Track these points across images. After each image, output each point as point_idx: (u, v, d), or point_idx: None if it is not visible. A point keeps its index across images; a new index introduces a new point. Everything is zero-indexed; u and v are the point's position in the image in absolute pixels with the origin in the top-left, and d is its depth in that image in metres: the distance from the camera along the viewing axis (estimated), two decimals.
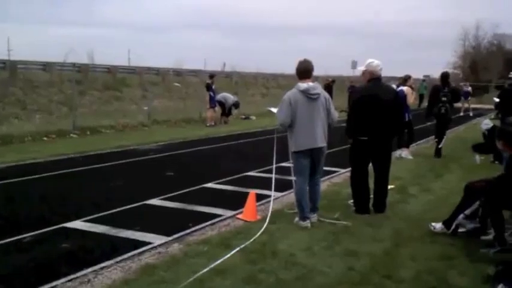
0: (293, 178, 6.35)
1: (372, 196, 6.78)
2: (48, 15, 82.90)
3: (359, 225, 6.10)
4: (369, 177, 6.76)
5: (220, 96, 19.73)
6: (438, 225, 5.79)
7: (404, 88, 11.85)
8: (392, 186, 7.61)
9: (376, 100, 6.46)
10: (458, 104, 25.38)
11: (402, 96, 11.80)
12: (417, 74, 26.61)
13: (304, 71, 6.15)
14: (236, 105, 20.42)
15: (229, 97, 20.12)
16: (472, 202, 5.60)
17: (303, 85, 6.02)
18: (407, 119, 11.51)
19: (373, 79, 6.65)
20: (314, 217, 6.27)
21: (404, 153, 11.75)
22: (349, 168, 7.11)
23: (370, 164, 6.76)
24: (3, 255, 5.13)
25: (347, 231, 5.89)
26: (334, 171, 9.67)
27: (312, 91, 6.01)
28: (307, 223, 6.13)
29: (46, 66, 21.48)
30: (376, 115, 6.44)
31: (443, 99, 11.18)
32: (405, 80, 12.49)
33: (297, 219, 6.30)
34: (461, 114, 27.01)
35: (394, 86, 10.35)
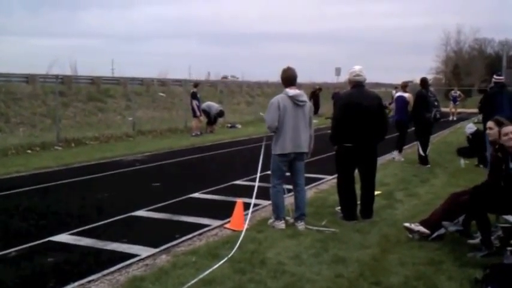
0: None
1: (359, 202, 6.81)
2: (30, 26, 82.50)
3: (347, 232, 6.10)
4: (355, 183, 6.79)
5: (204, 105, 19.72)
6: (417, 227, 5.79)
7: (406, 94, 12.15)
8: (378, 192, 7.65)
9: (359, 106, 6.50)
10: (446, 109, 25.82)
11: (403, 102, 12.01)
12: (398, 79, 26.81)
13: (289, 78, 6.28)
14: (220, 114, 20.40)
15: (213, 106, 20.10)
16: (455, 215, 5.63)
17: (292, 91, 6.18)
18: (406, 124, 11.92)
19: (357, 86, 6.69)
20: (301, 224, 6.29)
21: (397, 157, 12.11)
22: (335, 175, 7.14)
23: (356, 170, 6.80)
24: None
25: (335, 238, 5.89)
26: (320, 178, 9.69)
27: (299, 98, 6.19)
28: (281, 223, 6.29)
29: (29, 78, 21.27)
30: (360, 121, 6.48)
31: (436, 103, 11.21)
32: (405, 86, 12.77)
33: (271, 220, 6.40)
34: (453, 118, 27.37)
35: (394, 92, 10.67)
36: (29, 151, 13.98)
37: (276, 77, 35.46)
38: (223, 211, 7.10)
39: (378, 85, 46.60)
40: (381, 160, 10.97)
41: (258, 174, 6.63)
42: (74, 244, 5.87)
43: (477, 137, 11.51)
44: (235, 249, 5.40)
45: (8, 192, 8.80)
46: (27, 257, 5.46)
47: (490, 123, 5.79)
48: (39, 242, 5.94)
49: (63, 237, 6.11)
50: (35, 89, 20.21)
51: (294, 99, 6.16)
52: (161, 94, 26.04)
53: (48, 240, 5.99)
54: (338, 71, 40.03)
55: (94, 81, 24.07)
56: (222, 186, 9.15)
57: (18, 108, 18.35)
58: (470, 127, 12.66)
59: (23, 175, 10.60)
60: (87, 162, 12.28)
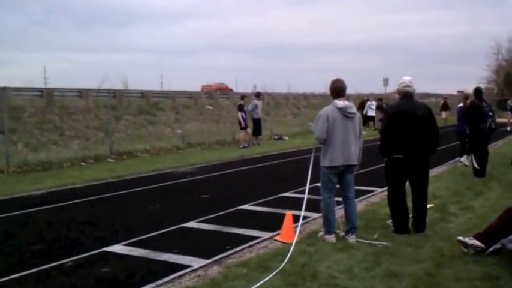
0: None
1: (411, 215, 6.68)
2: (81, 42, 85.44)
3: (399, 246, 6.00)
4: (407, 196, 6.67)
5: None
6: (471, 241, 5.63)
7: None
8: (431, 205, 7.49)
9: (409, 117, 6.40)
10: (502, 119, 25.18)
11: (463, 112, 12.03)
12: (451, 89, 26.32)
13: (337, 90, 6.27)
14: (256, 120, 20.05)
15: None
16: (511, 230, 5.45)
17: (340, 103, 6.14)
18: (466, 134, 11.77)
19: (406, 96, 6.60)
20: (352, 238, 6.23)
21: (464, 160, 12.68)
22: (386, 188, 7.04)
23: (408, 183, 6.68)
24: (46, 280, 5.23)
25: (387, 251, 5.80)
26: (371, 191, 9.57)
27: (349, 109, 6.15)
28: (332, 237, 6.25)
29: (82, 93, 22.06)
30: (410, 132, 6.37)
31: (490, 113, 10.93)
32: (466, 98, 12.95)
33: (321, 233, 6.37)
34: (510, 129, 26.56)
35: (461, 105, 11.13)
36: (83, 163, 14.44)
37: (322, 88, 35.23)
38: (273, 223, 7.13)
39: (427, 95, 45.71)
40: (433, 172, 10.74)
41: (307, 186, 6.62)
42: (127, 255, 6.01)
43: None
44: (285, 261, 5.40)
45: (64, 203, 9.10)
46: (83, 266, 5.63)
47: None
48: (94, 252, 6.11)
49: (118, 248, 6.26)
50: (88, 103, 20.94)
51: (343, 111, 6.13)
52: (209, 107, 26.44)
53: (103, 251, 6.16)
54: (386, 82, 39.59)
55: (144, 95, 24.73)
56: (271, 198, 9.18)
57: (72, 122, 19.02)
58: None
59: (78, 187, 10.95)
60: (139, 174, 12.58)
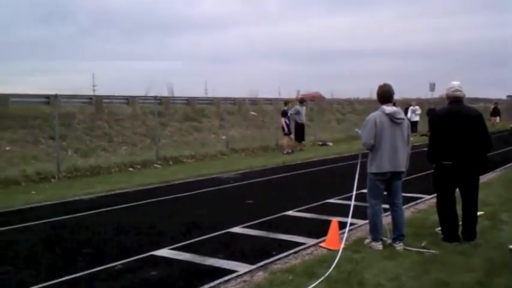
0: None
1: (460, 223, 6.51)
2: (127, 51, 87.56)
3: (448, 254, 5.86)
4: (456, 203, 6.51)
5: (293, 110, 19.53)
6: None
7: None
8: (481, 213, 7.27)
9: (459, 122, 6.26)
10: None
11: None
12: (500, 94, 25.53)
13: (385, 95, 6.19)
14: (299, 124, 19.99)
15: (301, 113, 19.81)
16: None
17: (389, 108, 6.05)
18: None
19: (455, 101, 6.45)
20: (400, 245, 6.12)
21: None
22: (434, 195, 6.89)
23: (457, 189, 6.52)
24: (96, 283, 5.37)
25: (436, 260, 5.68)
26: (419, 198, 9.39)
27: (397, 115, 6.06)
28: (379, 244, 6.16)
29: (129, 100, 22.56)
30: (459, 138, 6.22)
31: None
32: None
33: (368, 240, 6.29)
34: None
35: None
36: (131, 169, 14.76)
37: (366, 94, 34.84)
38: (318, 229, 7.10)
39: (475, 100, 44.49)
40: (483, 178, 10.44)
41: (354, 193, 6.56)
42: (174, 259, 6.10)
43: None
44: (331, 268, 5.36)
45: (112, 207, 9.33)
46: (131, 270, 5.75)
47: None
48: (142, 256, 6.23)
49: (165, 252, 6.36)
50: (135, 110, 21.38)
51: (391, 117, 6.05)
52: (252, 113, 26.55)
53: (151, 255, 6.27)
54: (432, 86, 38.75)
55: (189, 101, 25.06)
56: (316, 204, 9.13)
57: (120, 128, 19.46)
58: None
59: (126, 191, 11.20)
60: (185, 179, 12.76)
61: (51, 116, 15.79)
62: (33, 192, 11.05)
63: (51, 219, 8.42)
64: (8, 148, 15.18)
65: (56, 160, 13.63)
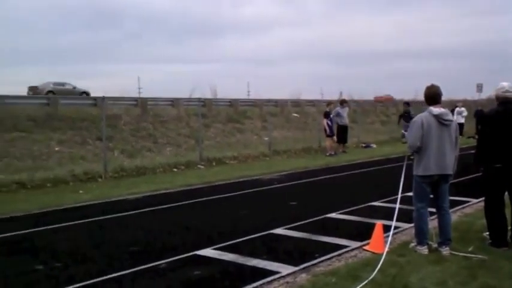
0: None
1: (509, 227, 6.32)
2: (173, 54, 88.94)
3: (497, 259, 5.70)
4: (505, 207, 6.32)
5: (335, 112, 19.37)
6: None
7: None
8: None
9: (508, 124, 6.08)
10: None
11: None
12: None
13: (433, 96, 6.06)
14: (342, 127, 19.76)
15: (342, 116, 19.62)
16: None
17: (436, 110, 5.93)
18: None
19: (505, 102, 6.27)
20: (446, 250, 5.99)
21: None
22: (482, 198, 6.71)
23: (506, 193, 6.33)
24: (141, 281, 5.48)
25: (483, 265, 5.53)
26: (465, 201, 9.15)
27: (445, 117, 5.93)
28: (424, 248, 6.05)
29: (174, 102, 22.96)
30: (509, 140, 6.04)
31: None
32: None
33: (413, 244, 6.19)
34: None
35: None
36: (175, 169, 14.99)
37: (410, 95, 34.19)
38: (362, 232, 7.03)
39: None
40: None
41: (399, 195, 6.46)
42: (217, 259, 6.16)
43: None
44: (376, 271, 5.30)
45: (157, 207, 9.50)
46: (175, 269, 5.84)
47: None
48: (186, 255, 6.32)
49: (208, 252, 6.43)
50: (179, 112, 21.75)
51: (439, 118, 5.91)
52: (295, 115, 26.54)
53: (195, 254, 6.35)
54: (480, 88, 37.76)
55: (232, 103, 25.29)
56: (359, 207, 9.04)
57: (165, 130, 19.82)
58: None
59: (170, 191, 11.38)
60: (228, 180, 12.86)
61: (98, 117, 16.24)
62: (81, 191, 11.38)
63: (99, 218, 8.64)
64: (57, 149, 15.70)
65: (103, 160, 13.98)
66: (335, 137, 19.28)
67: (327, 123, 18.75)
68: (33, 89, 30.71)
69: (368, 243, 6.45)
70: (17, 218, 8.85)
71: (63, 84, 33.45)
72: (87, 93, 32.11)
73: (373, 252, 6.16)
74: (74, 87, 33.47)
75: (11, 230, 7.83)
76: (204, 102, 22.47)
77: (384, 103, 37.83)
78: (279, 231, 7.44)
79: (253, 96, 32.73)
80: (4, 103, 17.56)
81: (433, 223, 6.43)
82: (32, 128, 16.43)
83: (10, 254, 6.67)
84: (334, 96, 33.11)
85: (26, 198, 10.64)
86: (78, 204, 9.96)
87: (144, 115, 20.48)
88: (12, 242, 7.20)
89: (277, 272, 5.55)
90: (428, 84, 6.18)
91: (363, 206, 9.13)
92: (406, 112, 23.06)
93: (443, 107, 6.08)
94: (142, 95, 31.88)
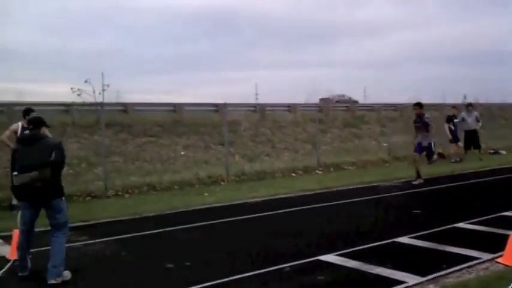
0: None
1: None
2: (289, 60, 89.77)
3: None
4: None
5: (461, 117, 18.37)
6: None
7: None
8: None
9: None
10: None
11: None
12: None
13: None
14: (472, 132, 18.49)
15: (467, 121, 18.47)
16: None
17: None
18: None
19: None
20: None
21: None
22: None
23: None
24: (268, 282, 5.63)
25: None
26: None
27: None
28: None
29: (290, 108, 23.23)
30: None
31: None
32: None
33: None
34: None
35: None
36: (293, 174, 15.18)
37: None
38: (493, 244, 6.62)
39: None
40: None
41: None
42: (341, 265, 6.13)
43: None
44: (511, 286, 4.98)
45: (278, 211, 9.69)
46: (299, 273, 5.91)
47: None
48: (309, 260, 6.37)
49: (331, 258, 6.43)
50: (296, 117, 21.95)
51: None
52: None
53: (317, 259, 6.38)
54: None
55: (349, 108, 25.04)
56: (489, 217, 8.51)
57: (282, 135, 20.11)
58: None
59: (289, 196, 11.55)
60: (346, 186, 12.76)
61: (220, 123, 16.88)
62: (205, 194, 11.94)
63: (224, 220, 9.01)
64: (182, 153, 16.58)
65: (225, 165, 14.53)
66: (460, 143, 18.31)
67: (449, 128, 17.88)
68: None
69: (501, 255, 6.08)
70: (150, 218, 9.52)
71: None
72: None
73: (507, 265, 5.79)
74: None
75: (145, 229, 8.43)
76: (320, 107, 22.48)
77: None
78: (403, 239, 7.25)
79: (370, 100, 32.11)
80: (134, 110, 18.87)
81: None
82: (159, 133, 17.49)
83: (140, 251, 7.17)
84: (458, 100, 31.47)
85: (157, 199, 11.38)
86: (204, 206, 10.47)
87: (263, 120, 20.93)
88: (144, 238, 7.75)
89: (403, 282, 5.42)
90: None
91: (493, 216, 8.58)
92: None
93: None
94: (259, 101, 32.69)
